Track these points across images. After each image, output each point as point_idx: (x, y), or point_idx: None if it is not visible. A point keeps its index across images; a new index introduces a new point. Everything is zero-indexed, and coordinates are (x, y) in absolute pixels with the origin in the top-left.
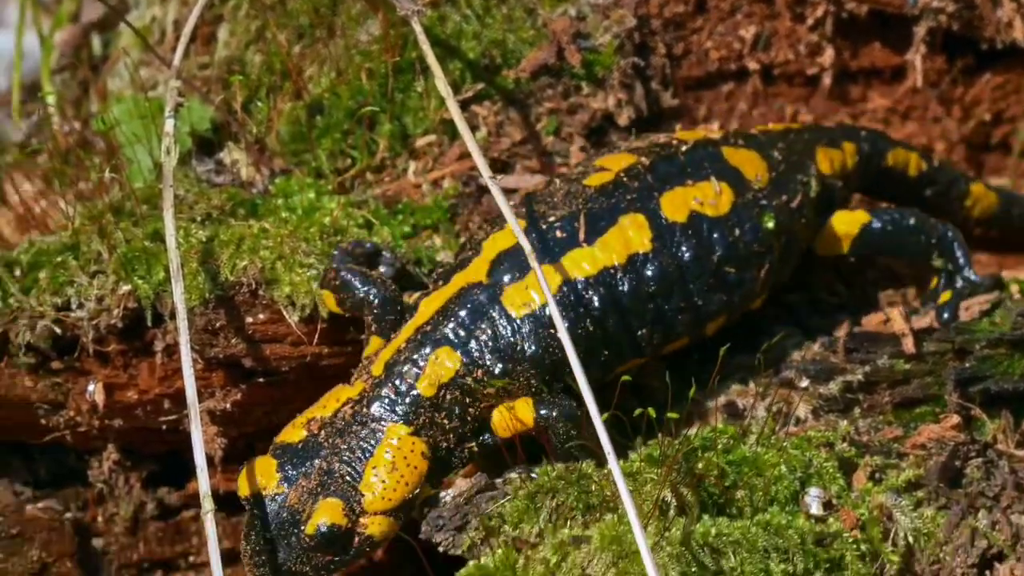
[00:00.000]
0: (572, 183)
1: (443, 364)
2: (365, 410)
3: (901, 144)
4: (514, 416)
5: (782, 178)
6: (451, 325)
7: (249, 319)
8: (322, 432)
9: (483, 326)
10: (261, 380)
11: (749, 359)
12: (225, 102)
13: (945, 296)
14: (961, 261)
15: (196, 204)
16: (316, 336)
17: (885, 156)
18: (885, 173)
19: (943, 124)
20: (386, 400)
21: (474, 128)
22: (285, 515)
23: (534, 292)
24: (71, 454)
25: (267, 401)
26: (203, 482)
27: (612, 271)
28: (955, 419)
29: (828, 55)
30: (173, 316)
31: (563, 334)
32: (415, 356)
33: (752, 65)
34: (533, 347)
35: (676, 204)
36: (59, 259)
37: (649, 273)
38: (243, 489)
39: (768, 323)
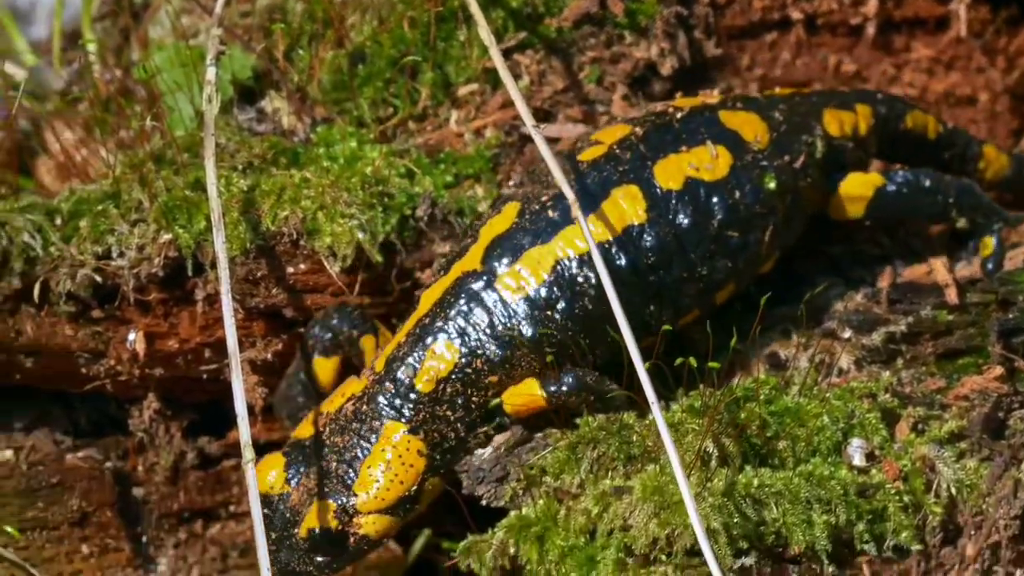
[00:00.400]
0: (567, 159)
1: (442, 357)
2: (365, 407)
3: (918, 107)
4: (524, 398)
5: (783, 139)
6: (449, 316)
7: (290, 269)
8: (327, 429)
9: (480, 314)
10: (302, 330)
11: (791, 310)
12: (266, 50)
13: (987, 247)
14: (987, 207)
15: (237, 153)
16: (357, 287)
17: (904, 119)
18: (904, 136)
19: (987, 74)
20: (385, 397)
21: (516, 77)
22: (288, 515)
23: (528, 274)
24: (111, 403)
25: None
26: (244, 431)
27: (607, 246)
28: (998, 370)
29: (872, 5)
30: (214, 265)
31: (605, 279)
32: (413, 351)
33: (795, 15)
34: (531, 330)
35: (670, 171)
36: (100, 207)
37: (646, 244)
38: (260, 483)
39: (811, 274)
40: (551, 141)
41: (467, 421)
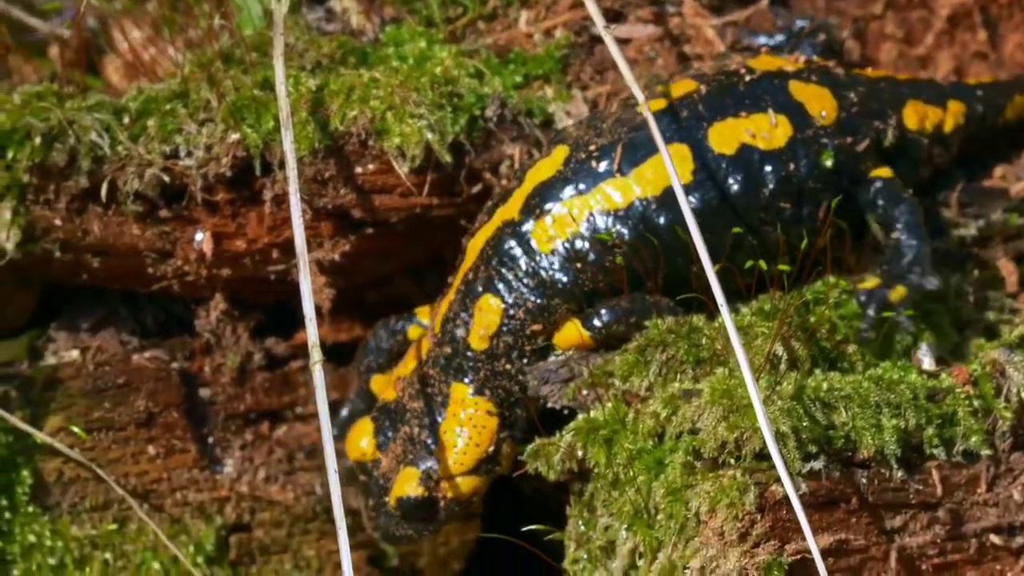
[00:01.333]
0: (626, 109)
1: (488, 312)
2: (431, 371)
3: (1019, 89)
4: (572, 340)
5: (852, 119)
6: (490, 269)
7: (358, 169)
8: (404, 393)
9: (517, 265)
10: (370, 231)
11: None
12: None
13: (898, 293)
14: (915, 267)
15: (306, 52)
16: (426, 187)
17: (1003, 112)
18: (1005, 127)
19: None
20: (446, 359)
21: None
22: (381, 482)
23: (562, 225)
24: (178, 303)
25: (376, 252)
26: (311, 332)
27: (645, 203)
28: None
29: None
30: (282, 165)
31: (687, 212)
32: (463, 310)
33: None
34: (565, 279)
35: (725, 136)
36: (168, 107)
37: (689, 206)
38: (350, 453)
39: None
40: (621, 42)
41: (524, 373)
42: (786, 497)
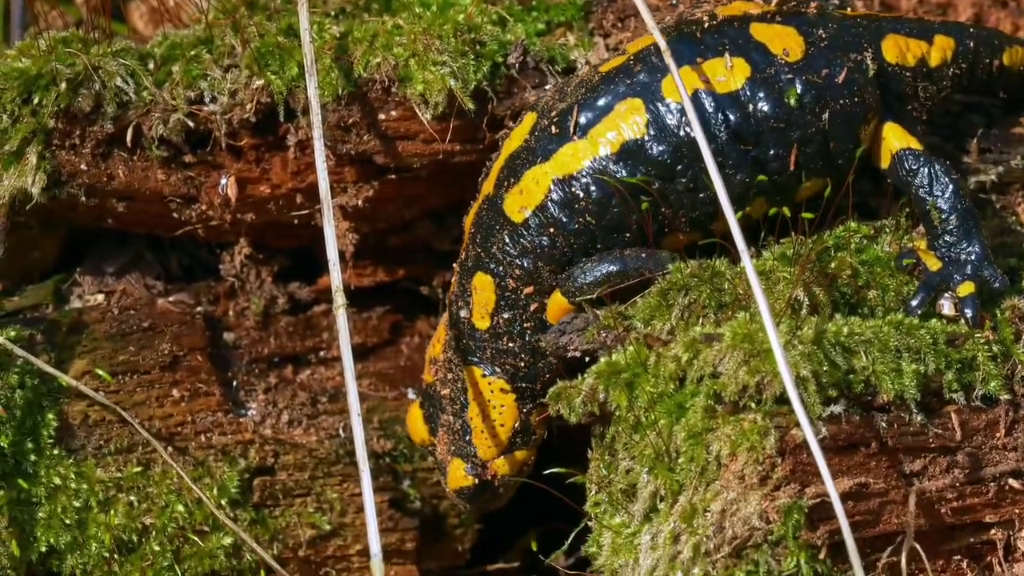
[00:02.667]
0: (592, 69)
1: (483, 291)
2: (450, 354)
3: (1019, 41)
4: (558, 310)
5: (822, 54)
6: (476, 248)
7: (382, 116)
8: (436, 378)
9: (497, 239)
10: (393, 176)
11: None
12: None
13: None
14: (977, 252)
15: None
16: (448, 133)
17: (999, 55)
18: (1003, 74)
19: None
20: (457, 342)
21: None
22: (441, 469)
23: (529, 195)
24: (203, 248)
25: (399, 197)
26: (335, 277)
27: (604, 162)
28: None
29: None
30: (306, 111)
31: (702, 142)
32: (463, 291)
33: None
34: (544, 243)
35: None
36: (192, 53)
37: (648, 156)
38: (414, 438)
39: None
40: None
41: (529, 346)
42: (806, 441)
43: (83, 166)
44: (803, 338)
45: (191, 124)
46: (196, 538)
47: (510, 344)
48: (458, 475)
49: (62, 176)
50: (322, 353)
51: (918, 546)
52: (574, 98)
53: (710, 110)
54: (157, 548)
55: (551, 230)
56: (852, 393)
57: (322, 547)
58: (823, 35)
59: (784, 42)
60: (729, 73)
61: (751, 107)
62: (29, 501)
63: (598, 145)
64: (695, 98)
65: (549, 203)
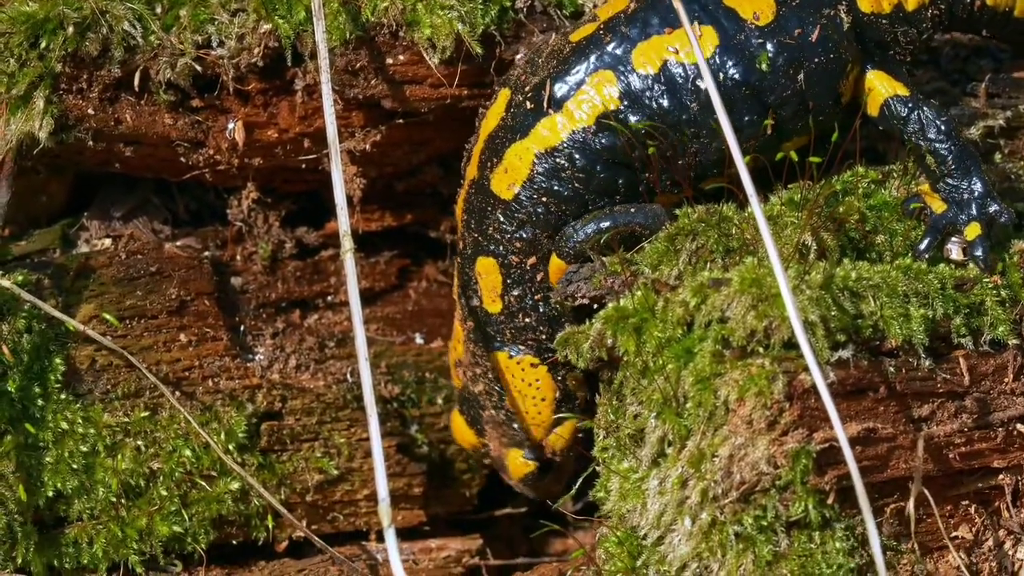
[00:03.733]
0: (560, 40)
1: (489, 275)
2: (472, 349)
3: None
4: (556, 273)
5: (794, 13)
6: (472, 234)
7: (389, 60)
8: (466, 378)
9: (493, 219)
10: (400, 121)
11: None
12: None
13: (973, 232)
14: (980, 190)
15: None
16: (456, 78)
17: None
18: (985, 13)
19: None
20: (476, 333)
21: None
22: (501, 466)
23: (512, 172)
24: (210, 192)
25: (406, 142)
26: (343, 221)
27: (582, 134)
28: None
29: None
30: (314, 56)
31: (713, 94)
32: (468, 281)
33: None
34: (538, 211)
35: (648, 55)
36: None
37: (624, 125)
38: (463, 444)
39: (909, 69)
40: None
41: (546, 316)
42: (814, 386)
43: (90, 110)
44: (811, 283)
45: (198, 68)
46: (203, 483)
47: (527, 320)
48: (518, 464)
49: (69, 120)
50: (329, 298)
51: (926, 491)
52: (545, 71)
53: (680, 81)
54: (164, 493)
55: (544, 199)
56: (860, 338)
57: (329, 492)
58: None
59: (755, 5)
60: (698, 41)
61: (722, 76)
62: (36, 446)
63: (574, 117)
64: (665, 68)
65: (536, 175)
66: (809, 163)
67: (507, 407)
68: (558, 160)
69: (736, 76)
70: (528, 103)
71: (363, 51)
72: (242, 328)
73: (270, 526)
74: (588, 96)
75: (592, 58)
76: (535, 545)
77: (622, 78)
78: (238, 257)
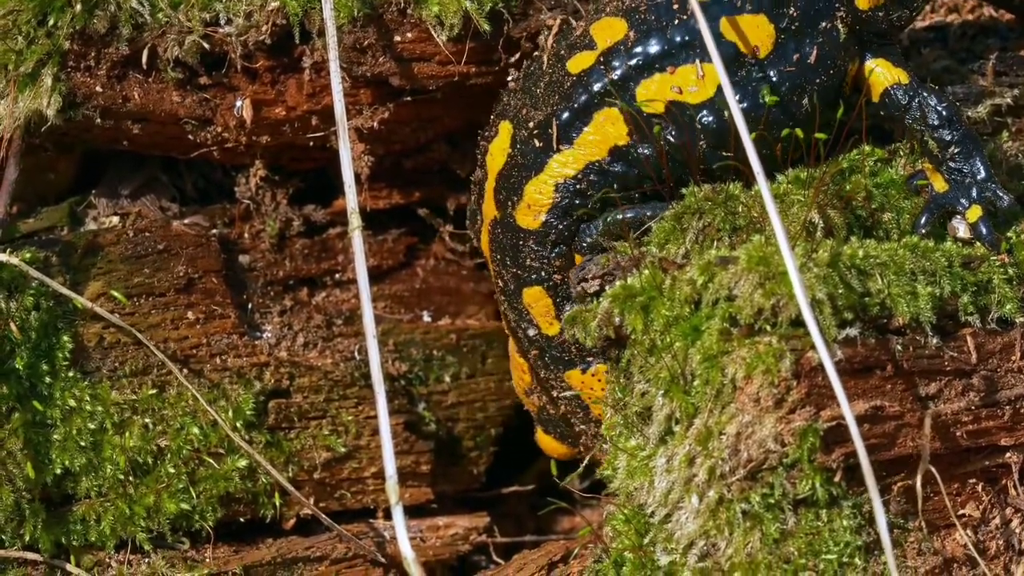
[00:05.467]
0: (556, 66)
1: (538, 302)
2: (543, 374)
3: None
4: None
5: (792, 38)
6: (509, 270)
7: (397, 38)
8: (542, 402)
9: (526, 250)
10: (408, 98)
11: None
12: None
13: (973, 214)
14: (981, 174)
15: None
16: (464, 55)
17: None
18: None
19: None
20: (544, 362)
21: None
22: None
23: (535, 205)
24: (218, 170)
25: (414, 119)
26: (351, 199)
27: (597, 164)
28: None
29: None
30: (321, 33)
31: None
32: (520, 316)
33: None
34: (568, 228)
35: (652, 93)
36: None
37: (634, 158)
38: (559, 457)
39: (916, 45)
40: None
41: None
42: (821, 364)
43: (98, 88)
44: (818, 261)
45: (206, 46)
46: (211, 460)
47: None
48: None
49: (77, 98)
50: (337, 275)
51: (933, 469)
52: (548, 107)
53: (686, 120)
54: (172, 470)
55: (572, 215)
56: (867, 316)
57: (337, 469)
58: (794, 13)
59: (756, 37)
60: (701, 83)
61: (726, 114)
62: (44, 423)
63: (586, 152)
64: (670, 109)
65: (559, 202)
66: (815, 140)
67: (595, 417)
68: (578, 186)
69: (743, 107)
70: (536, 140)
71: (371, 28)
72: (250, 306)
73: (277, 504)
74: (597, 133)
75: (596, 95)
76: (542, 523)
77: (629, 117)
78: (246, 235)
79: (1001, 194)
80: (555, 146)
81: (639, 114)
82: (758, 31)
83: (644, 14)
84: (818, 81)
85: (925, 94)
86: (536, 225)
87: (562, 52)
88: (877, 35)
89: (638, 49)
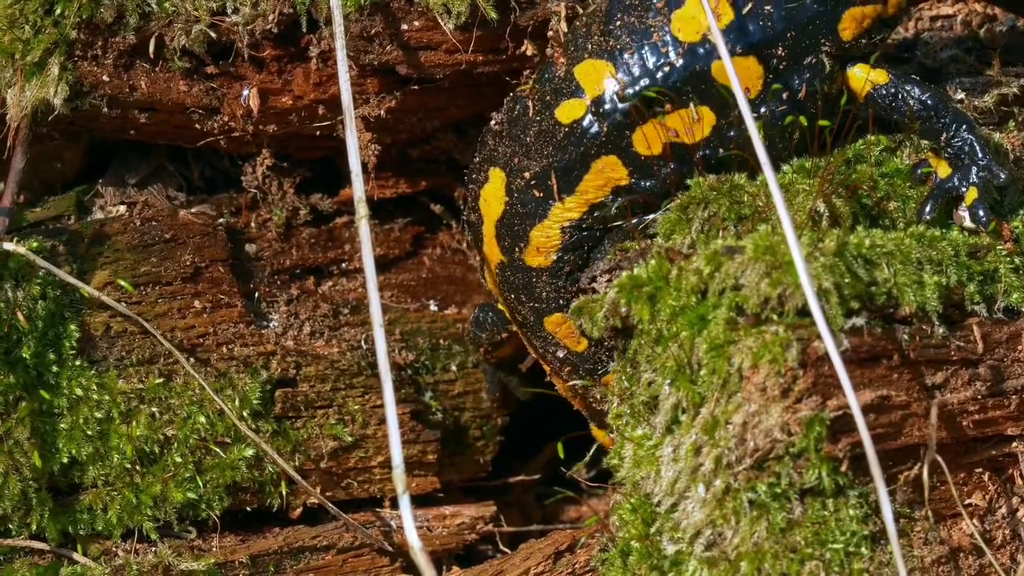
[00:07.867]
0: (544, 113)
1: (561, 326)
2: (583, 391)
3: None
4: None
5: (780, 77)
6: (526, 305)
7: (404, 26)
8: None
9: (540, 287)
10: (415, 87)
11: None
12: None
13: (971, 195)
14: (976, 153)
15: None
16: (471, 44)
17: None
18: None
19: None
20: (578, 375)
21: None
22: None
23: (543, 248)
24: (225, 159)
25: (421, 108)
26: (358, 188)
27: (600, 203)
28: None
29: None
30: (328, 22)
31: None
32: (545, 343)
33: None
34: (581, 256)
35: (650, 138)
36: None
37: (641, 189)
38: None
39: (922, 33)
40: None
41: None
42: (828, 353)
43: (105, 77)
44: (825, 250)
45: (213, 35)
46: (218, 449)
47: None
48: None
49: (84, 87)
50: (344, 264)
51: (940, 458)
52: (543, 158)
53: (685, 161)
54: (179, 459)
55: (583, 246)
56: (874, 305)
57: (344, 459)
58: (782, 53)
59: (746, 79)
60: (696, 124)
61: (720, 151)
62: (51, 412)
63: (589, 196)
64: (668, 151)
65: (568, 241)
66: (820, 128)
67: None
68: (584, 223)
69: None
70: (535, 191)
71: (378, 17)
72: (256, 295)
73: (284, 493)
74: (598, 179)
75: (592, 145)
76: (549, 512)
77: (627, 161)
78: (252, 224)
79: (996, 170)
80: (557, 196)
81: (638, 158)
82: (748, 72)
83: (630, 56)
84: (810, 113)
85: (908, 87)
86: (548, 263)
87: (548, 98)
88: (861, 52)
89: (629, 92)
